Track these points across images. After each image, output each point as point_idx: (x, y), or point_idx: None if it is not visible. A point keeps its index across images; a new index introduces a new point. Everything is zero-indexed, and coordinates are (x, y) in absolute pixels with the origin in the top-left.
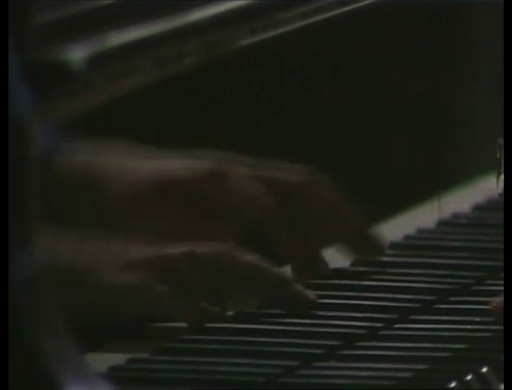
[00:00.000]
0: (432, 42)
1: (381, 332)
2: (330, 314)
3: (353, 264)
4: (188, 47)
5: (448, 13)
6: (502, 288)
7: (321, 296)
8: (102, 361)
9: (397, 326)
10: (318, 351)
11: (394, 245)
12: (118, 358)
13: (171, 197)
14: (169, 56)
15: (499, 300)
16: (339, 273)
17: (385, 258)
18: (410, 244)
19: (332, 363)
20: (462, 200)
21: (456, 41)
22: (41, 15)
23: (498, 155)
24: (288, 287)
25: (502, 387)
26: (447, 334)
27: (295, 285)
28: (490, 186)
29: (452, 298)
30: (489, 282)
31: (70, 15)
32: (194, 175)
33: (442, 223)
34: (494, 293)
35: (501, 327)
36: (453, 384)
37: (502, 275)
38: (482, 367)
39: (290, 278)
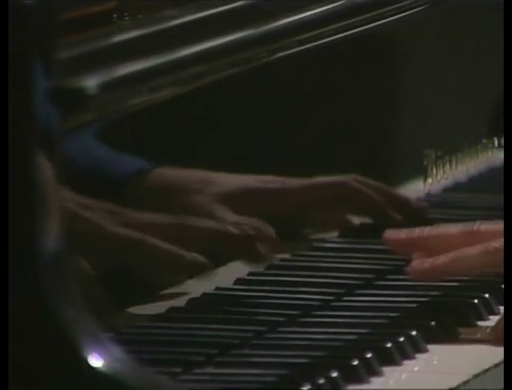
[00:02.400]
0: (368, 74)
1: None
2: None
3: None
4: (173, 79)
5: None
6: None
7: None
8: (125, 319)
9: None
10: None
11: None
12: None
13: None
14: (163, 84)
15: (414, 264)
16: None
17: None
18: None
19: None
20: None
21: (387, 70)
22: (64, 52)
23: (425, 163)
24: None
25: (428, 347)
26: (384, 305)
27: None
28: (418, 188)
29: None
30: None
31: (85, 52)
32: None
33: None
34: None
35: (426, 296)
36: (389, 345)
37: None
38: (412, 331)
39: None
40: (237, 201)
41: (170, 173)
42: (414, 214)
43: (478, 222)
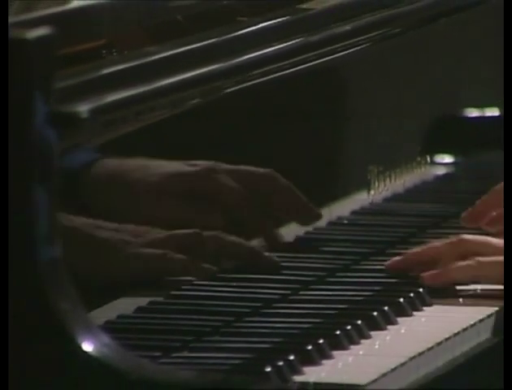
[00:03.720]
0: (320, 101)
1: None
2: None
3: None
4: (153, 105)
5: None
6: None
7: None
8: (112, 311)
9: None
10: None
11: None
12: (125, 309)
13: (175, 187)
14: (145, 109)
15: (392, 261)
16: None
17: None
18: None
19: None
20: (343, 207)
21: (339, 99)
22: (60, 81)
23: (368, 177)
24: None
25: (371, 333)
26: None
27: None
28: (363, 198)
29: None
30: (367, 261)
31: (79, 82)
32: (194, 170)
33: (331, 223)
34: (372, 270)
35: (370, 290)
36: (338, 332)
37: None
38: (358, 320)
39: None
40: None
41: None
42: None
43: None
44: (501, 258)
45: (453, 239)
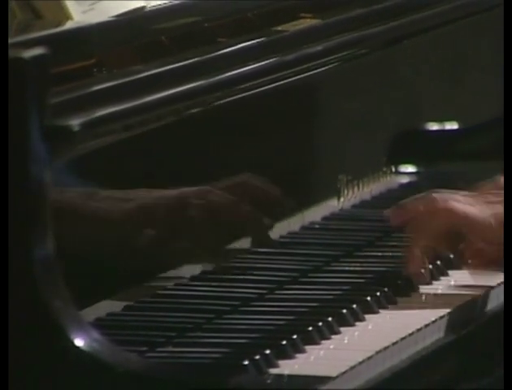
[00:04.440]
0: (294, 116)
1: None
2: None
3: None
4: (140, 119)
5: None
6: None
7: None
8: (102, 309)
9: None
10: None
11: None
12: (114, 307)
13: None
14: (133, 124)
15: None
16: None
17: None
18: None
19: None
20: (315, 213)
21: (312, 114)
22: (54, 98)
23: (338, 186)
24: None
25: (341, 329)
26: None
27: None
28: (333, 204)
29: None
30: (337, 263)
31: (71, 98)
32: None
33: (304, 227)
34: (342, 270)
35: (340, 290)
36: (310, 328)
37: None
38: (328, 317)
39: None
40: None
41: None
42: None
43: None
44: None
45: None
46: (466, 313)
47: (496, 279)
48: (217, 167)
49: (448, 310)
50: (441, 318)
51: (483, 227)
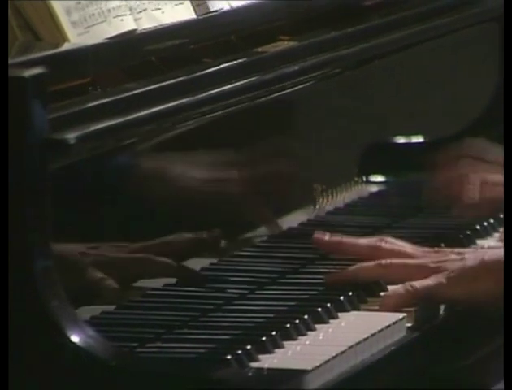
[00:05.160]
0: (273, 130)
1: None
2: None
3: None
4: (131, 134)
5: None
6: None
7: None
8: (96, 308)
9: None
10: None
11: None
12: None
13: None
14: (125, 137)
15: (330, 275)
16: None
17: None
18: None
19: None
20: (293, 219)
21: (289, 128)
22: (52, 113)
23: (314, 194)
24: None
25: (316, 326)
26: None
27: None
28: (309, 212)
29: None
30: (313, 265)
31: (68, 113)
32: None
33: (282, 232)
34: (318, 272)
35: (314, 290)
36: (288, 325)
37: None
38: (304, 315)
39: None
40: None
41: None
42: None
43: (383, 239)
44: (405, 261)
45: (371, 242)
46: (429, 311)
47: None
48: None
49: (413, 309)
50: (407, 316)
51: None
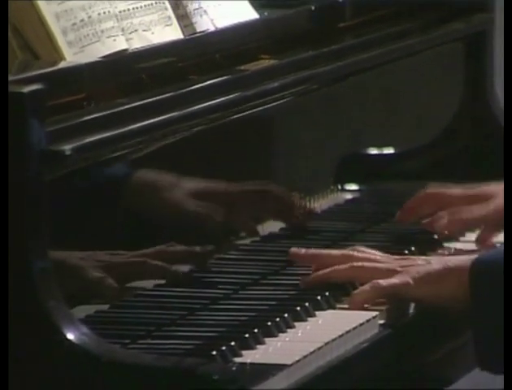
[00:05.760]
0: (255, 143)
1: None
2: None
3: None
4: (124, 145)
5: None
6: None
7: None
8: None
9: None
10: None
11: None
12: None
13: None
14: (117, 149)
15: (305, 278)
16: None
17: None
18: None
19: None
20: (274, 225)
21: (270, 141)
22: (50, 126)
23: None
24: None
25: (295, 324)
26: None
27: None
28: None
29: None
30: (293, 267)
31: (64, 126)
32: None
33: (264, 237)
34: (297, 274)
35: (294, 290)
36: (269, 323)
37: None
38: (285, 314)
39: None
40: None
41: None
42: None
43: (355, 248)
44: (376, 265)
45: (345, 252)
46: (399, 310)
47: None
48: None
49: (384, 308)
50: (379, 314)
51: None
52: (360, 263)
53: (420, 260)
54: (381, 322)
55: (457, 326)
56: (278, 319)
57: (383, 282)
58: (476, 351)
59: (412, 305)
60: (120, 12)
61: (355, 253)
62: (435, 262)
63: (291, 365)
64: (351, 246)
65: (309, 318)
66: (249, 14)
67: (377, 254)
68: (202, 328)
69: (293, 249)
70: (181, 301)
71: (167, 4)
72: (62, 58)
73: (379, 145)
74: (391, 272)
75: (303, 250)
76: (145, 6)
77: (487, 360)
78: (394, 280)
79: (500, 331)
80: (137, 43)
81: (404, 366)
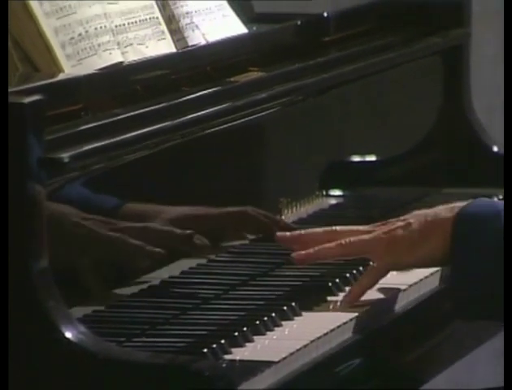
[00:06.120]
0: (243, 151)
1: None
2: None
3: None
4: (119, 153)
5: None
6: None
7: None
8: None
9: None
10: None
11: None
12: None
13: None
14: (113, 157)
15: (299, 254)
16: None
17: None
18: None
19: None
20: None
21: (259, 149)
22: (49, 135)
23: (280, 206)
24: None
25: (282, 322)
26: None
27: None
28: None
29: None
30: (280, 269)
31: (62, 135)
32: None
33: (253, 240)
34: (284, 275)
35: (280, 291)
36: (257, 322)
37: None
38: (272, 313)
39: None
40: (179, 222)
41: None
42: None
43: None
44: (362, 237)
45: (327, 229)
46: (379, 311)
47: (407, 280)
48: (177, 196)
49: (366, 308)
50: (361, 314)
51: (375, 247)
52: (347, 239)
53: (399, 221)
54: (363, 321)
55: (425, 332)
56: (266, 318)
57: (353, 239)
58: (456, 298)
59: (391, 309)
60: (116, 27)
61: (338, 228)
62: (414, 221)
63: (278, 361)
64: None
65: (295, 318)
66: (239, 28)
67: (358, 227)
68: (194, 327)
69: (279, 234)
70: (174, 301)
71: (161, 19)
72: (60, 70)
73: (363, 153)
74: (378, 241)
75: (288, 233)
76: (139, 21)
77: (466, 307)
78: (364, 236)
79: (478, 278)
80: (132, 56)
81: (380, 366)
